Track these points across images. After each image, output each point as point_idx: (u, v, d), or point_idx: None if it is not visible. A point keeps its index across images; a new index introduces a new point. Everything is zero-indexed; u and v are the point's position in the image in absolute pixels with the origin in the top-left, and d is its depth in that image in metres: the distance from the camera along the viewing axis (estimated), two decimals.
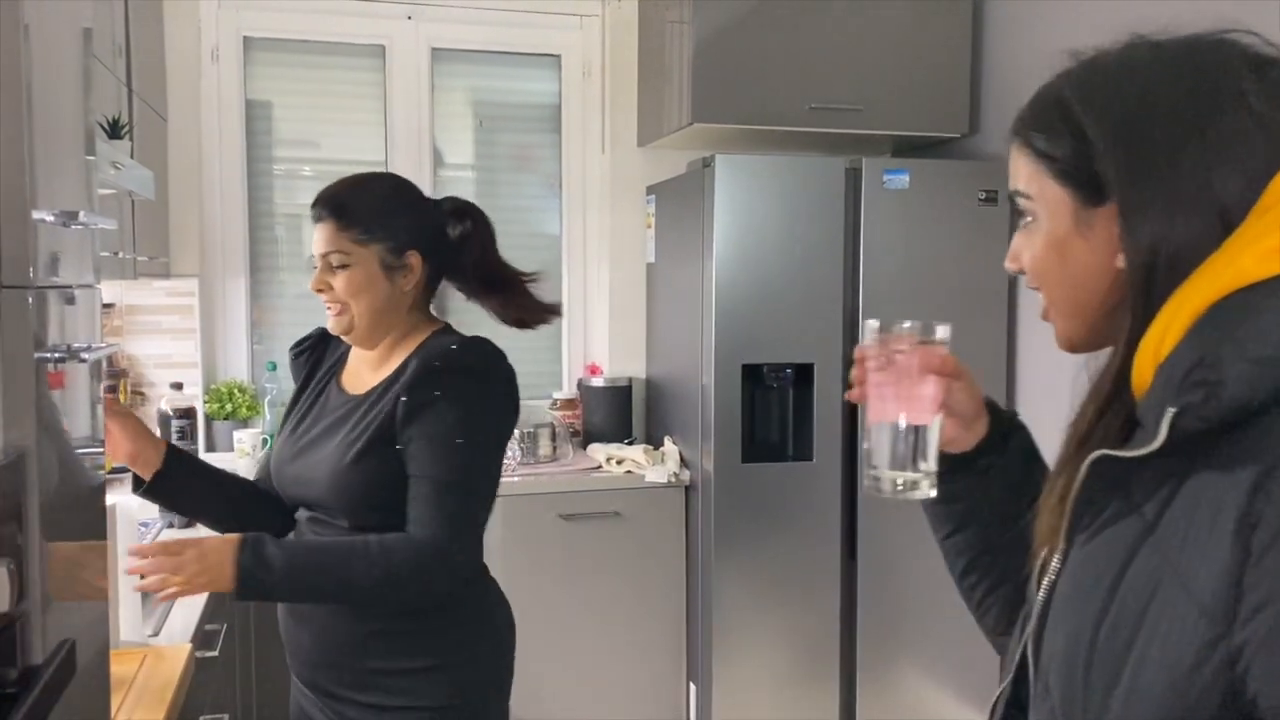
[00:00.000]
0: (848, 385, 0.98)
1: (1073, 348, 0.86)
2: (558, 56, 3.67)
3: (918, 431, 0.91)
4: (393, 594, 1.50)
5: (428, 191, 1.77)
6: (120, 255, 2.49)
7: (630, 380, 3.56)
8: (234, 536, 1.45)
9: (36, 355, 0.91)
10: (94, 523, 1.14)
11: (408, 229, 1.62)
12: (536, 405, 3.55)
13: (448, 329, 1.68)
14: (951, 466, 0.97)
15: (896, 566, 3.11)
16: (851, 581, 3.10)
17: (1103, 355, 0.85)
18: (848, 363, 3.35)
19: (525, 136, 3.73)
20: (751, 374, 3.02)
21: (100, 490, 1.19)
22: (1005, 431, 1.00)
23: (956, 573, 1.06)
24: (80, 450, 1.07)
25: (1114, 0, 2.74)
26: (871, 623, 3.11)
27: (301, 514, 1.64)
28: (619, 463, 3.22)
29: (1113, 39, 0.84)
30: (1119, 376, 0.78)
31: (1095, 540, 0.76)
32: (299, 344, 1.81)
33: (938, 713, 3.17)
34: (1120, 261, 0.78)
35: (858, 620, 3.10)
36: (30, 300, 0.90)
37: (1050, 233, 0.82)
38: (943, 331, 0.94)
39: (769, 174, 2.98)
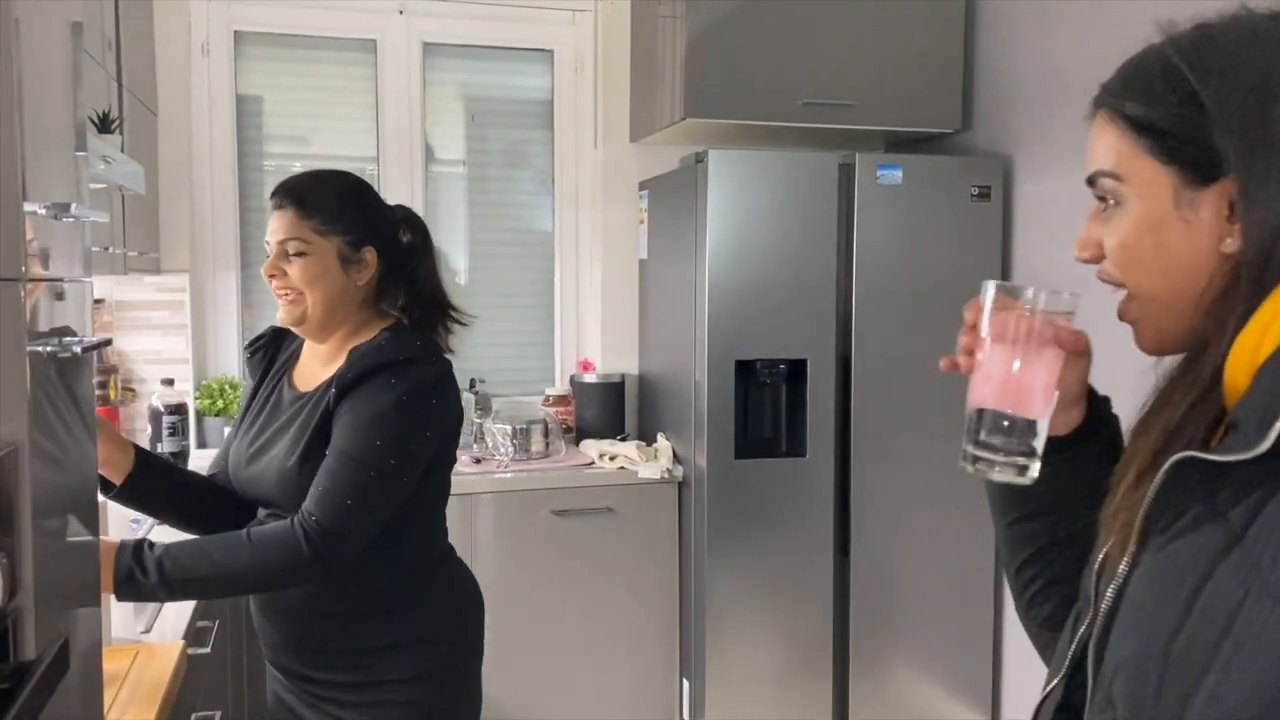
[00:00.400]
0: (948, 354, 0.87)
1: (1162, 349, 0.79)
2: (550, 52, 3.66)
3: (1026, 419, 0.83)
4: (270, 584, 1.56)
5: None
6: (111, 250, 2.47)
7: (623, 376, 3.56)
8: (114, 541, 1.45)
9: (29, 348, 0.90)
10: (87, 518, 1.13)
11: (366, 226, 1.64)
12: (529, 401, 3.55)
13: (398, 325, 1.67)
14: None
15: (889, 562, 3.12)
16: (844, 577, 3.11)
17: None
18: (841, 358, 3.35)
19: (517, 132, 3.72)
20: (744, 370, 3.02)
21: (93, 485, 1.18)
22: (1099, 420, 0.92)
23: (1015, 563, 0.97)
24: (73, 445, 1.07)
25: None
26: (864, 618, 3.11)
27: (261, 511, 1.65)
28: (612, 459, 3.22)
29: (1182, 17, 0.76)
30: (1219, 371, 0.72)
31: (1172, 546, 0.70)
32: (253, 342, 1.80)
33: (930, 707, 3.18)
34: (1229, 246, 0.71)
35: (850, 616, 3.11)
36: (22, 293, 0.90)
37: (1145, 215, 0.75)
38: (1070, 301, 0.83)
39: (762, 169, 2.98)
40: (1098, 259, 0.79)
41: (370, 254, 1.63)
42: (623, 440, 3.38)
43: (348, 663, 1.61)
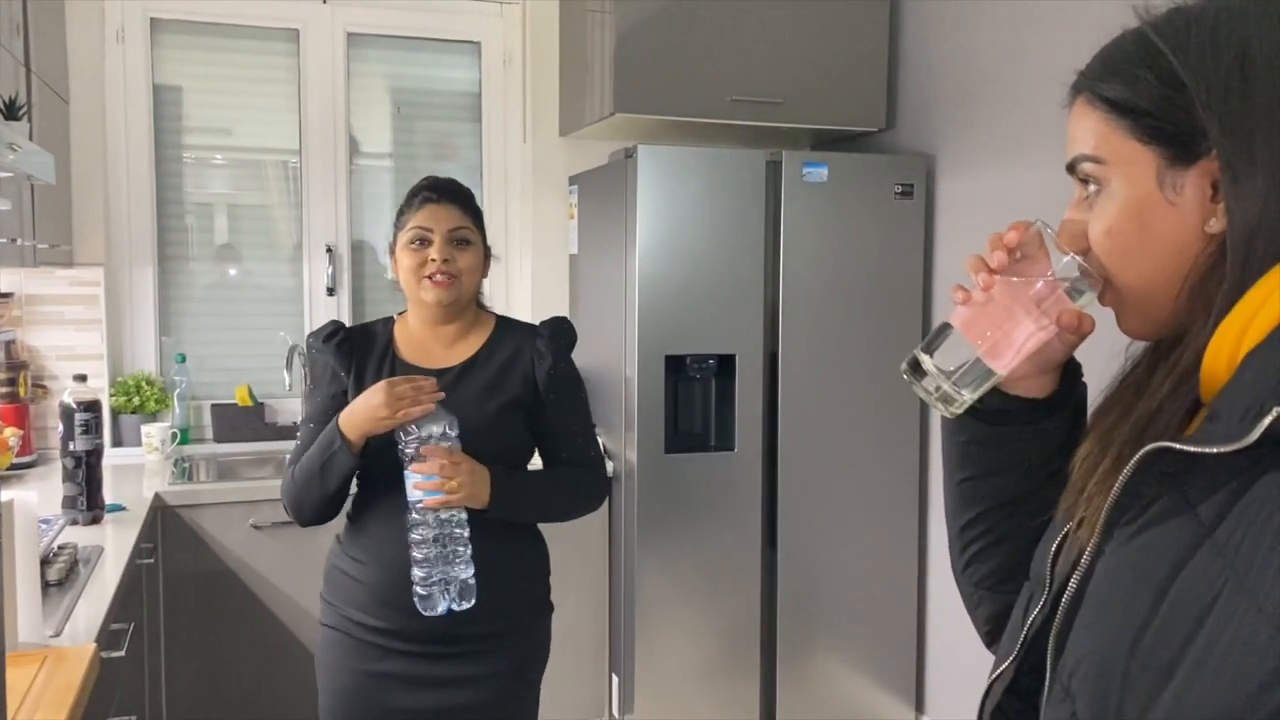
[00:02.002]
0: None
1: (1146, 334, 0.78)
2: (477, 44, 3.63)
3: (985, 365, 0.82)
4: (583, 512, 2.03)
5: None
6: (19, 242, 2.39)
7: None
8: (484, 466, 1.76)
9: None
10: None
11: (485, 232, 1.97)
12: None
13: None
14: (1006, 411, 0.87)
15: (816, 555, 3.16)
16: (772, 570, 3.13)
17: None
18: (769, 354, 3.39)
19: (445, 125, 3.68)
20: (674, 365, 3.03)
21: None
22: (1069, 390, 0.89)
23: (960, 521, 0.95)
24: None
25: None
26: (791, 611, 3.15)
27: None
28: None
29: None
30: (1200, 356, 0.70)
31: (1141, 537, 0.69)
32: (331, 335, 1.91)
33: (855, 698, 3.23)
34: (1213, 226, 0.70)
35: (778, 609, 3.14)
36: None
37: (1129, 199, 0.73)
38: (1092, 290, 0.80)
39: (691, 165, 2.99)
40: (1082, 250, 0.77)
41: (490, 257, 1.95)
42: None
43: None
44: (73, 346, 3.17)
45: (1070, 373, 0.90)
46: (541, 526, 1.98)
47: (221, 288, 3.48)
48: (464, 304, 1.90)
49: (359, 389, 1.84)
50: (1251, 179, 0.68)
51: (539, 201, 3.59)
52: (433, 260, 1.83)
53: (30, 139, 2.45)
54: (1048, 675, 0.74)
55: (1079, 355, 0.89)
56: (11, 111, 2.11)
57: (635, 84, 3.10)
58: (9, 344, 3.01)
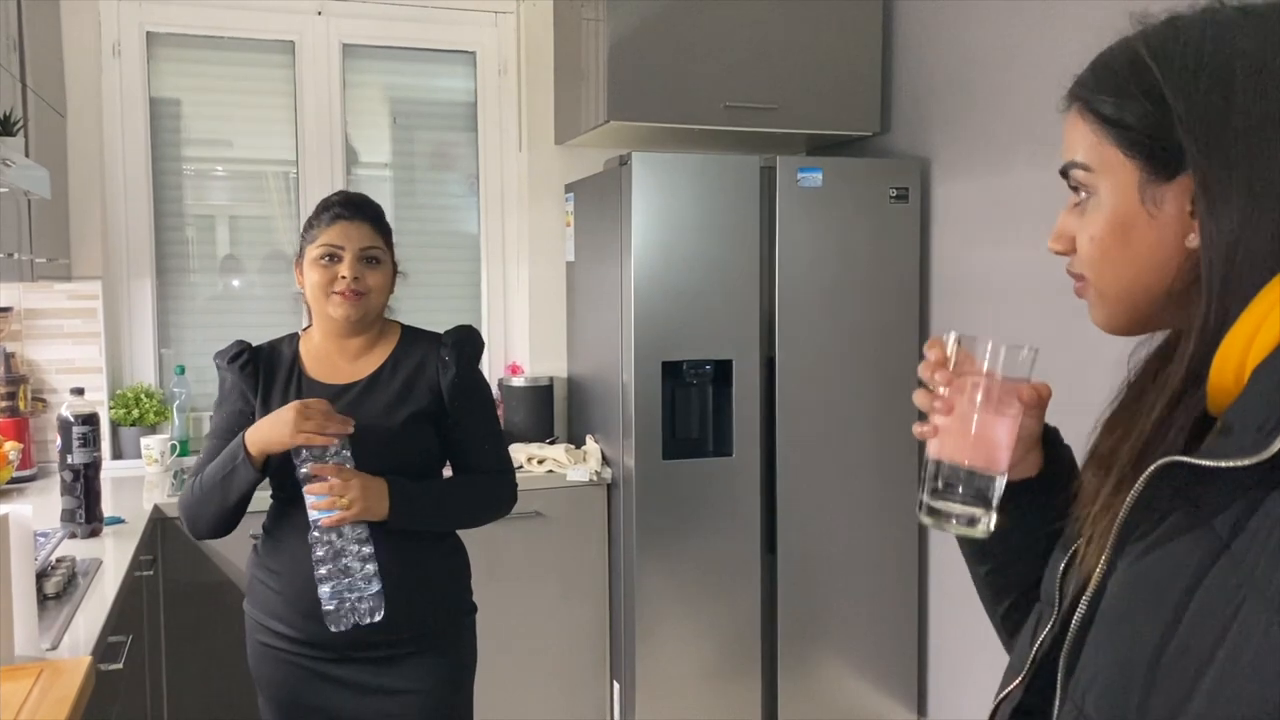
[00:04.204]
0: (917, 412, 0.87)
1: (1116, 331, 0.79)
2: (472, 53, 3.64)
3: (986, 474, 0.84)
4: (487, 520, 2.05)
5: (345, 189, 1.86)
6: (16, 256, 2.40)
7: (551, 379, 3.55)
8: (381, 478, 1.77)
9: None
10: None
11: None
12: None
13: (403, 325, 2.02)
14: (1007, 500, 0.86)
15: (816, 559, 3.16)
16: (772, 575, 3.13)
17: (1149, 345, 0.79)
18: (766, 359, 3.38)
19: (443, 134, 3.69)
20: (671, 371, 3.03)
21: None
22: (1058, 461, 0.91)
23: (999, 612, 0.95)
24: None
25: (1025, 1, 2.83)
26: (792, 615, 3.14)
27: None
28: (540, 462, 3.21)
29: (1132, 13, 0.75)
30: (1192, 372, 0.71)
31: (1155, 553, 0.68)
32: (236, 355, 1.94)
33: (857, 702, 3.22)
34: (1192, 241, 0.71)
35: (778, 613, 3.14)
36: None
37: (1114, 209, 0.75)
38: (1028, 356, 0.85)
39: (685, 172, 3.00)
40: (1069, 252, 0.79)
41: (397, 274, 1.96)
42: (552, 443, 3.37)
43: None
44: (72, 360, 3.18)
45: (1051, 443, 0.93)
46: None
47: (221, 299, 3.49)
48: (370, 320, 1.91)
49: (266, 408, 1.86)
50: (1227, 198, 0.68)
51: (535, 210, 3.60)
52: (343, 278, 1.84)
53: (26, 154, 2.46)
54: (1058, 695, 0.74)
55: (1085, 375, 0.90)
56: (6, 127, 2.12)
57: (629, 92, 3.11)
58: (8, 358, 3.03)
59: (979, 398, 0.84)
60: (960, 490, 0.84)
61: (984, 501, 0.84)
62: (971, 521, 0.85)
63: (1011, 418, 0.84)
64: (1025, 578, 0.91)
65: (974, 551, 0.95)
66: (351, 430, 1.76)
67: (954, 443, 0.84)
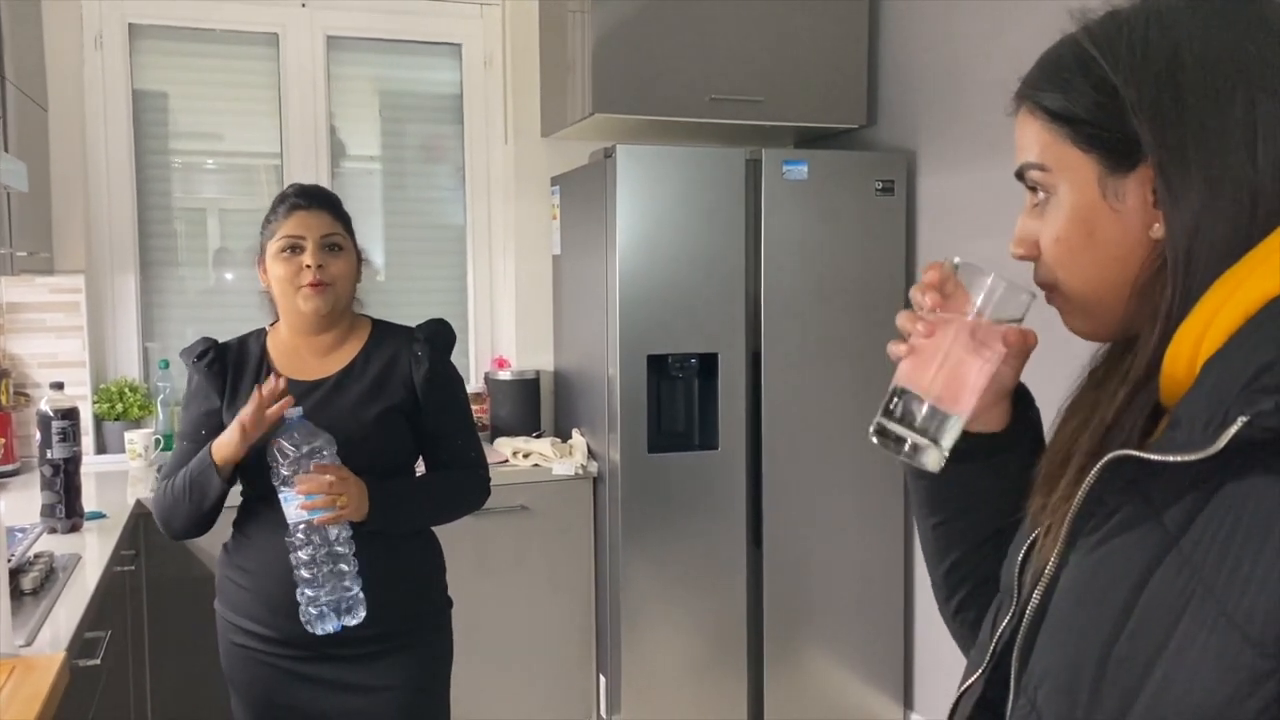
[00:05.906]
0: (898, 338, 0.83)
1: (1092, 336, 0.78)
2: (458, 46, 3.63)
3: (946, 411, 0.81)
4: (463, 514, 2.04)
5: (326, 182, 1.87)
6: None
7: (538, 373, 3.54)
8: (359, 478, 1.75)
9: None
10: None
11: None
12: None
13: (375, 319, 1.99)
14: (966, 450, 0.83)
15: (801, 553, 3.15)
16: (758, 568, 3.13)
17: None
18: (751, 352, 3.37)
19: (431, 127, 3.68)
20: (656, 364, 3.02)
21: None
22: (1024, 420, 0.89)
23: (941, 567, 0.93)
24: None
25: None
26: (778, 609, 3.14)
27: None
28: (526, 456, 3.20)
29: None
30: (1152, 363, 0.70)
31: (1105, 547, 0.68)
32: (203, 354, 1.90)
33: (843, 696, 3.22)
34: (1156, 232, 0.70)
35: (764, 606, 3.14)
36: None
37: (1075, 206, 0.73)
38: (1026, 299, 0.81)
39: (671, 165, 2.99)
40: (1032, 256, 0.77)
41: (362, 263, 1.93)
42: (538, 437, 3.36)
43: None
44: (55, 354, 3.16)
45: (1022, 401, 0.90)
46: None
47: (205, 292, 3.48)
48: (339, 312, 1.89)
49: (235, 406, 1.83)
50: (1186, 185, 0.68)
51: (522, 203, 3.59)
52: (307, 267, 1.81)
53: (5, 148, 2.45)
54: (1012, 687, 0.73)
55: (1044, 365, 0.89)
56: None
57: (614, 84, 3.09)
58: None
59: (963, 332, 0.80)
60: (916, 421, 0.80)
61: (937, 437, 0.80)
62: (916, 450, 0.81)
63: (989, 361, 0.81)
64: (972, 534, 0.90)
65: (925, 500, 0.93)
66: (291, 403, 1.74)
67: (923, 373, 0.80)
